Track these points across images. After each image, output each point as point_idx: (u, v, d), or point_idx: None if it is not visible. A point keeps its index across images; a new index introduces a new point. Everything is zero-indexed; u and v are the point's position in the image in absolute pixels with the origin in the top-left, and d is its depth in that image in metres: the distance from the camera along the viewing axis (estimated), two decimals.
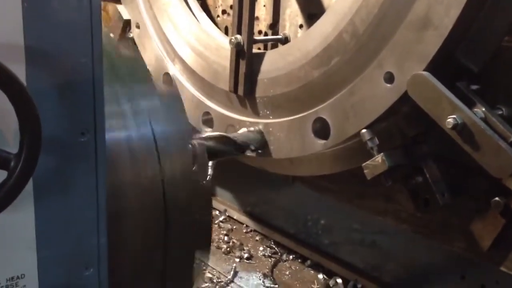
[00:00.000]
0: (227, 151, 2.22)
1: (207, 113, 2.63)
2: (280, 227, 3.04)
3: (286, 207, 3.17)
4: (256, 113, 2.39)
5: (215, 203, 3.32)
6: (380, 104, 1.92)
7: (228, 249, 2.87)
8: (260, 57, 2.35)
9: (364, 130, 1.96)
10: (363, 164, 1.97)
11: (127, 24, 3.08)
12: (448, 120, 1.70)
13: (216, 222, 3.15)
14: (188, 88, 2.73)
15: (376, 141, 1.95)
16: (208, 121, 2.64)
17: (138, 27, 3.02)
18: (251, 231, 3.09)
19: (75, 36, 1.19)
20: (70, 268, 1.29)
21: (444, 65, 1.80)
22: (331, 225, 3.04)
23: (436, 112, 1.74)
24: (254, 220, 3.14)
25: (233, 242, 2.92)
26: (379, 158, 1.92)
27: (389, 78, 1.88)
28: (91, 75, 1.24)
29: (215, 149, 2.16)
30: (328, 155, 2.21)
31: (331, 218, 3.04)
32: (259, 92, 2.35)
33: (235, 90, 2.40)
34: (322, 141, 2.13)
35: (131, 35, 3.10)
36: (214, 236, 3.01)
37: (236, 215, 3.20)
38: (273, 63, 2.30)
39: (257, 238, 3.01)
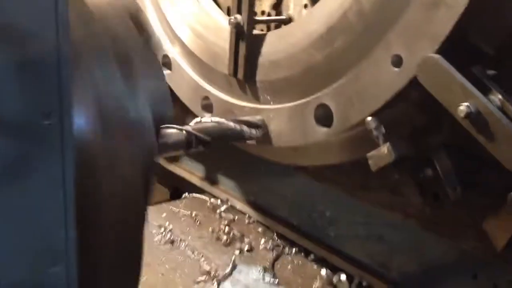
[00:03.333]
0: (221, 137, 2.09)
1: (207, 97, 2.50)
2: (284, 218, 2.91)
3: (290, 198, 3.02)
4: (256, 98, 2.25)
5: (217, 192, 3.20)
6: (387, 90, 1.76)
7: (228, 240, 2.75)
8: (261, 38, 2.21)
9: (369, 118, 1.81)
10: (368, 155, 1.82)
11: None
12: (461, 108, 1.54)
13: (218, 212, 3.03)
14: (187, 71, 2.60)
15: (382, 129, 1.80)
16: (208, 106, 2.50)
17: None
18: (253, 222, 2.96)
19: (36, 4, 1.06)
20: (34, 265, 1.17)
21: (457, 47, 1.64)
22: (337, 217, 2.89)
23: (447, 99, 1.59)
24: (257, 210, 3.01)
25: (233, 233, 2.80)
26: (384, 148, 1.77)
27: (397, 61, 1.73)
28: (55, 49, 1.11)
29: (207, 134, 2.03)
30: (331, 144, 2.06)
31: (337, 209, 2.89)
32: (260, 76, 2.20)
33: (235, 74, 2.26)
34: (325, 129, 1.99)
35: None
36: (214, 226, 2.88)
37: (239, 205, 3.07)
38: (275, 45, 2.15)
39: (259, 229, 2.88)
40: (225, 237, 2.76)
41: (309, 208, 2.95)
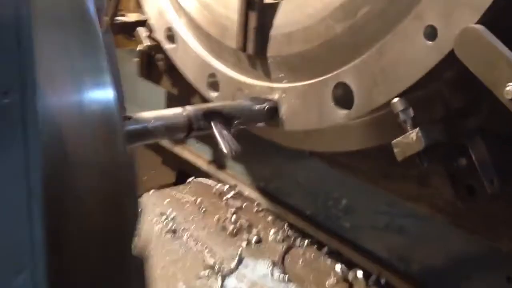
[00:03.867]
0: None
1: (213, 74, 2.27)
2: (296, 206, 2.70)
3: (303, 184, 2.81)
4: (267, 75, 2.02)
5: (224, 177, 2.99)
6: (418, 67, 1.53)
7: (235, 231, 2.55)
8: (273, 8, 1.97)
9: (396, 99, 1.58)
10: (393, 142, 1.59)
11: None
12: (508, 88, 1.31)
13: (224, 198, 2.82)
14: (192, 46, 2.37)
15: (411, 112, 1.57)
16: (214, 84, 2.28)
17: None
18: (262, 210, 2.76)
19: None
20: None
21: (504, 17, 1.40)
22: (354, 206, 2.68)
23: (491, 78, 1.35)
24: (267, 197, 2.80)
25: (241, 222, 2.60)
26: (413, 134, 1.54)
27: (431, 33, 1.49)
28: (12, 13, 0.89)
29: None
30: (350, 128, 1.83)
31: (354, 197, 2.68)
32: (272, 50, 1.97)
33: (244, 48, 2.03)
34: (344, 111, 1.76)
35: None
36: (220, 215, 2.68)
37: (247, 191, 2.87)
38: (289, 15, 1.91)
39: (269, 218, 2.67)
40: (231, 227, 2.56)
41: (323, 196, 2.74)
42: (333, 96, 1.78)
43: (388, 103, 1.60)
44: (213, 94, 2.28)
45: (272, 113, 1.97)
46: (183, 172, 3.18)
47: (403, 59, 1.56)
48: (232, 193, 2.87)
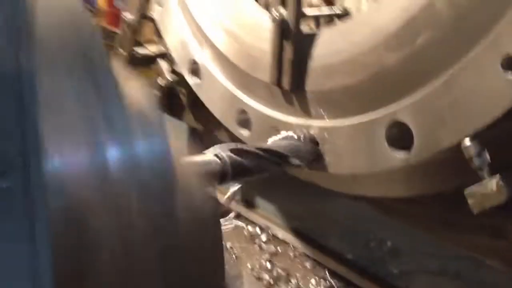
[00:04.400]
0: (262, 167, 1.64)
1: (243, 111, 2.04)
2: (336, 250, 2.44)
3: (343, 224, 2.57)
4: (306, 112, 1.79)
5: (255, 218, 2.75)
6: (495, 102, 1.29)
7: (271, 281, 2.30)
8: (311, 37, 1.74)
9: (468, 141, 1.34)
10: (467, 192, 1.35)
11: (146, 0, 2.53)
12: None
13: (257, 242, 2.58)
14: (219, 79, 2.15)
15: (487, 157, 1.32)
16: (245, 122, 2.05)
17: (160, 4, 2.46)
18: (299, 254, 2.51)
19: None
20: None
21: None
22: (401, 247, 2.43)
23: None
24: (303, 239, 2.55)
25: (277, 271, 2.35)
26: (493, 184, 1.29)
27: (510, 63, 1.25)
28: (14, 69, 0.68)
29: (246, 165, 1.58)
30: (407, 172, 1.58)
31: (400, 238, 2.43)
32: (311, 84, 1.74)
33: (279, 82, 1.80)
34: (401, 154, 1.51)
35: (152, 14, 2.55)
36: (254, 261, 2.43)
37: (281, 233, 2.62)
38: (331, 45, 1.68)
39: (307, 264, 2.42)
40: (267, 276, 2.31)
41: (365, 236, 2.50)
42: (388, 136, 1.54)
43: (457, 146, 1.36)
44: (245, 133, 2.05)
45: (315, 155, 1.73)
46: None
47: (477, 93, 1.31)
48: (265, 236, 2.62)
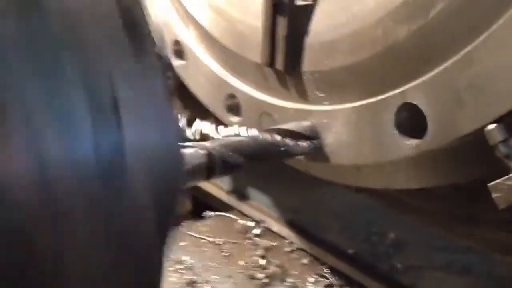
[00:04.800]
0: (255, 159, 1.45)
1: (232, 96, 1.85)
2: (336, 244, 2.26)
3: (344, 216, 2.39)
4: (303, 96, 1.60)
5: (248, 210, 2.56)
6: None
7: (266, 279, 2.11)
8: (308, 10, 1.54)
9: (492, 126, 1.15)
10: (491, 184, 1.16)
11: None
12: None
13: (250, 237, 2.40)
14: (205, 61, 1.95)
15: None
16: (234, 107, 1.86)
17: None
18: (296, 249, 2.32)
19: None
20: None
21: None
22: (406, 240, 2.26)
23: None
24: (300, 233, 2.37)
25: (272, 269, 2.16)
26: None
27: None
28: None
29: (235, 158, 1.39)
30: (419, 162, 1.40)
31: (405, 230, 2.26)
32: (308, 65, 1.55)
33: (271, 63, 1.61)
34: (413, 141, 1.33)
35: None
36: (247, 258, 2.25)
37: (276, 226, 2.43)
38: (330, 18, 1.48)
39: (305, 261, 2.24)
40: (261, 275, 2.12)
41: (367, 228, 2.32)
42: (396, 121, 1.35)
43: (480, 132, 1.17)
44: (234, 119, 1.86)
45: (315, 145, 1.55)
46: (198, 204, 2.75)
47: (503, 70, 1.12)
48: (259, 230, 2.44)
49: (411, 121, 1.34)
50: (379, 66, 1.36)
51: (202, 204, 2.72)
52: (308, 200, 2.45)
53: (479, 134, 1.19)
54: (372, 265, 2.16)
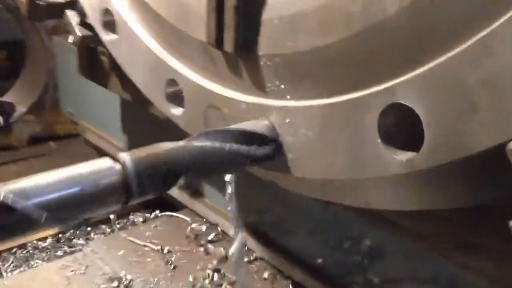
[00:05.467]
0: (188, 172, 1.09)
1: (174, 82, 1.47)
2: (304, 255, 1.93)
3: (314, 219, 2.06)
4: (259, 87, 1.23)
5: (201, 209, 2.21)
6: None
7: None
8: None
9: None
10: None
11: None
12: None
13: (202, 243, 2.05)
14: (140, 36, 1.57)
15: None
16: (176, 96, 1.49)
17: None
18: (256, 259, 1.99)
19: None
20: None
21: None
22: (384, 251, 1.94)
23: None
24: (261, 240, 2.03)
25: (227, 286, 1.82)
26: None
27: None
28: None
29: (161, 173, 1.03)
30: (410, 178, 1.05)
31: (382, 238, 1.95)
32: (265, 46, 1.18)
33: (218, 42, 1.23)
34: (402, 155, 0.98)
35: None
36: (197, 271, 1.91)
37: (233, 230, 2.09)
38: None
39: (266, 275, 1.91)
40: None
41: (337, 236, 1.99)
42: (381, 127, 1.00)
43: (501, 148, 0.83)
44: (175, 111, 1.49)
45: (273, 150, 1.19)
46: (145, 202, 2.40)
47: None
48: (212, 235, 2.09)
49: (401, 128, 0.99)
50: (358, 52, 1.00)
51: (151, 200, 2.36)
52: (272, 200, 2.10)
53: (496, 150, 0.85)
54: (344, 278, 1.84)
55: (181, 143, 1.07)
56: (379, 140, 1.00)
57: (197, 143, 1.09)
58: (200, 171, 1.11)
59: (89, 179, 0.97)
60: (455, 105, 0.88)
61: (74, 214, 0.96)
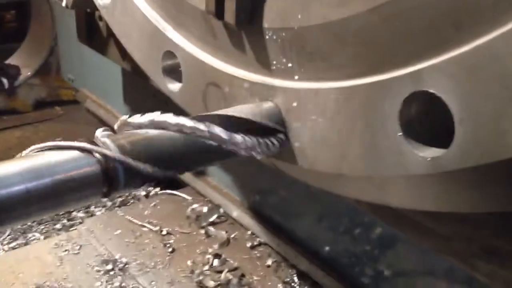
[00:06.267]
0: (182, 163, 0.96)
1: (171, 54, 1.33)
2: (310, 242, 1.80)
3: (320, 200, 1.93)
4: (264, 64, 1.09)
5: (203, 189, 2.09)
6: None
7: None
8: None
9: None
10: None
11: None
12: None
13: (203, 225, 1.93)
14: (139, 5, 1.41)
15: None
16: (173, 69, 1.34)
17: None
18: (259, 244, 1.87)
19: None
20: None
21: None
22: (394, 237, 1.81)
23: None
24: (265, 224, 1.91)
25: (227, 274, 1.71)
26: None
27: None
28: None
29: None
30: (438, 179, 0.91)
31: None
32: (272, 18, 1.03)
33: (218, 12, 1.08)
34: (427, 152, 0.84)
35: None
36: (197, 256, 1.79)
37: (236, 212, 1.97)
38: None
39: (270, 262, 1.79)
40: (212, 284, 1.67)
41: (348, 222, 1.86)
42: (403, 118, 0.85)
43: None
44: (172, 87, 1.35)
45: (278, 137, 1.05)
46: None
47: None
48: (214, 216, 1.97)
49: (427, 120, 0.84)
50: (380, 28, 0.85)
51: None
52: (278, 181, 1.97)
53: None
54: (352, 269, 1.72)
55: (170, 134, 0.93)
56: (400, 133, 0.86)
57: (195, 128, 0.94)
58: (189, 162, 0.98)
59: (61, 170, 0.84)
60: (496, 97, 0.73)
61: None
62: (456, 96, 0.77)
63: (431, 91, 0.80)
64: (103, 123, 2.67)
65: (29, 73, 3.83)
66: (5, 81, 3.85)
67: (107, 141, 0.89)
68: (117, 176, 0.89)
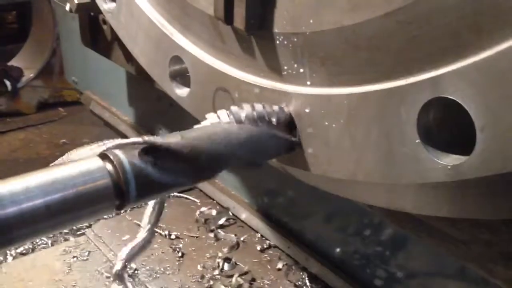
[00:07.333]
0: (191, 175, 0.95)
1: (179, 59, 1.30)
2: (322, 245, 1.78)
3: (330, 203, 1.91)
4: (275, 70, 1.06)
5: (212, 192, 2.07)
6: None
7: None
8: None
9: None
10: None
11: None
12: None
13: (212, 229, 1.92)
14: (142, 6, 1.39)
15: None
16: (181, 74, 1.32)
17: None
18: (269, 247, 1.85)
19: None
20: None
21: None
22: (405, 239, 1.79)
23: None
24: (275, 226, 1.89)
25: (238, 277, 1.69)
26: None
27: None
28: None
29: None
30: (455, 183, 0.89)
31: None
32: (283, 23, 1.00)
33: (228, 17, 1.06)
34: (447, 159, 0.81)
35: None
36: (206, 260, 1.78)
37: (245, 215, 1.95)
38: None
39: (280, 265, 1.77)
40: (222, 287, 1.65)
41: (358, 223, 1.84)
42: (422, 125, 0.83)
43: None
44: (180, 92, 1.33)
45: (290, 144, 1.03)
46: None
47: None
48: (223, 219, 1.95)
49: (446, 127, 0.82)
50: (397, 33, 0.82)
51: None
52: (287, 183, 1.95)
53: None
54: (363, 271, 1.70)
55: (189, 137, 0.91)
56: (418, 140, 0.84)
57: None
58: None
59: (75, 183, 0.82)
60: None
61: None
62: (477, 103, 0.75)
63: (451, 97, 0.78)
64: (107, 125, 2.65)
65: (31, 75, 3.82)
66: (8, 83, 3.84)
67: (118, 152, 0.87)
68: (128, 188, 0.87)
